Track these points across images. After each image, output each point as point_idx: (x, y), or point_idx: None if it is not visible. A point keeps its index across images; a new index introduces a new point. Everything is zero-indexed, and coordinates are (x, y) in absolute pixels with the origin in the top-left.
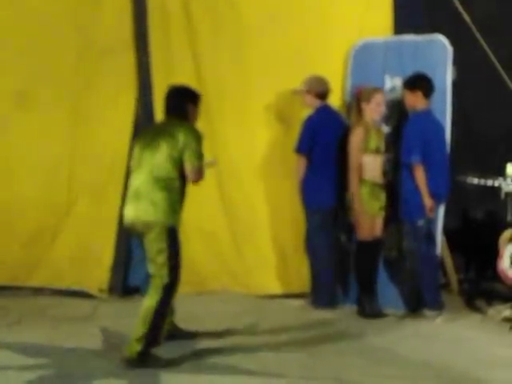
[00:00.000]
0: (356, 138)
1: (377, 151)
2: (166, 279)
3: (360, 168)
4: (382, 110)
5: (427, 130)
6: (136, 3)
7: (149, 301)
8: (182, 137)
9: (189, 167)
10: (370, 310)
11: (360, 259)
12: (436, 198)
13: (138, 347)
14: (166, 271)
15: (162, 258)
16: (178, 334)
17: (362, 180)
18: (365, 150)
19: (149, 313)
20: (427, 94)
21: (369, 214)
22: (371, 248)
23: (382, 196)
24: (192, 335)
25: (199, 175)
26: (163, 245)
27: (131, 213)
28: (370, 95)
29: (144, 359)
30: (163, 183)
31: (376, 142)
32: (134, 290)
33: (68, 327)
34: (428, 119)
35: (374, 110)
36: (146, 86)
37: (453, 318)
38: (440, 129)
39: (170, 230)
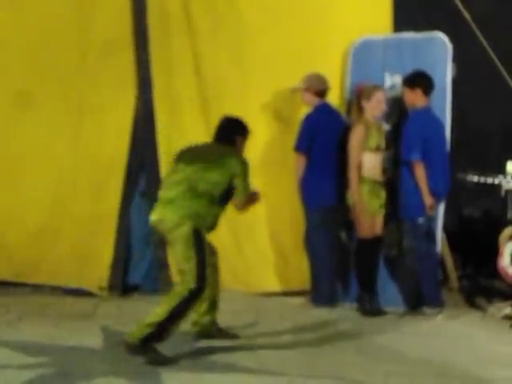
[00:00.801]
0: (356, 136)
1: (377, 149)
2: (193, 284)
3: (360, 166)
4: (383, 107)
5: (427, 128)
6: (136, 1)
7: (174, 296)
8: (234, 164)
9: (239, 197)
10: (370, 308)
11: (360, 257)
12: (436, 195)
13: (143, 333)
14: (194, 277)
15: (190, 263)
16: (218, 335)
17: (361, 178)
18: (365, 147)
19: (170, 306)
20: (427, 91)
21: (369, 211)
22: (371, 246)
23: (382, 194)
24: (233, 336)
25: (244, 206)
26: (191, 250)
27: (158, 213)
28: (371, 93)
29: (143, 348)
30: (201, 196)
31: (376, 139)
32: (134, 287)
33: (68, 325)
34: (428, 117)
35: (375, 107)
36: (145, 84)
37: (453, 315)
38: (440, 126)
39: (198, 234)
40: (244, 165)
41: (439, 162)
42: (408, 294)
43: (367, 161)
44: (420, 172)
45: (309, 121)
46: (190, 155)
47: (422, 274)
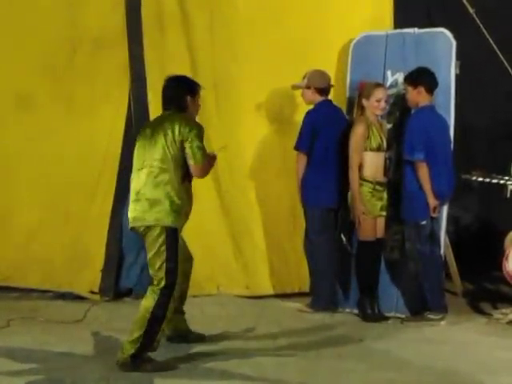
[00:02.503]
0: (356, 136)
1: (378, 149)
2: (162, 282)
3: (360, 166)
4: (383, 106)
5: (431, 127)
6: None
7: (146, 303)
8: (178, 130)
9: (192, 164)
10: (370, 312)
11: (361, 260)
12: (440, 197)
13: (131, 350)
14: (163, 274)
15: (159, 261)
16: (188, 336)
17: (363, 179)
18: (366, 147)
19: (145, 315)
20: (430, 89)
21: (370, 213)
22: (373, 249)
23: (384, 195)
24: (201, 337)
25: (203, 171)
26: (162, 247)
27: (132, 214)
28: (370, 91)
29: (137, 363)
30: (163, 183)
31: (377, 139)
32: (126, 292)
33: (58, 331)
34: (432, 115)
35: (375, 106)
36: (139, 80)
37: (457, 321)
38: (444, 125)
39: (170, 231)
40: (190, 124)
41: (443, 163)
42: (410, 299)
43: (368, 161)
44: (423, 172)
45: (310, 119)
46: (142, 137)
47: (424, 278)
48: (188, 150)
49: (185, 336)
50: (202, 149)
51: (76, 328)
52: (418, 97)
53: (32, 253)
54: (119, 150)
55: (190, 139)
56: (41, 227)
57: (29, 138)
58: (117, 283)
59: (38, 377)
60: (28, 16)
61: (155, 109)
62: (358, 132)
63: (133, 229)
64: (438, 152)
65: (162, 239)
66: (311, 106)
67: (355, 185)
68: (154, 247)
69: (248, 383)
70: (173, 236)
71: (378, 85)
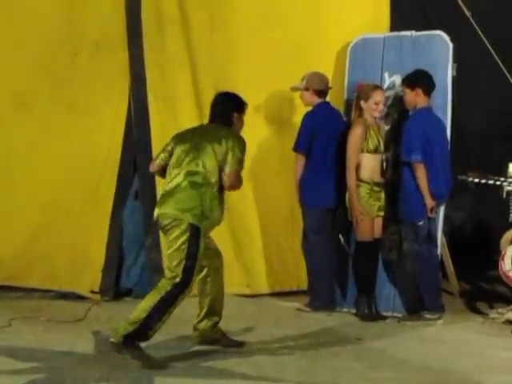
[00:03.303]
0: (354, 138)
1: (375, 151)
2: (178, 278)
3: (358, 167)
4: (381, 108)
5: (428, 128)
6: None
7: (154, 292)
8: (225, 142)
9: (227, 170)
10: (368, 312)
11: (358, 261)
12: (437, 198)
13: (126, 330)
14: (180, 271)
15: (178, 258)
16: (223, 341)
17: (360, 180)
18: (363, 149)
19: (150, 302)
20: (428, 91)
21: (368, 214)
22: (370, 249)
23: (382, 196)
24: (239, 344)
25: (237, 180)
26: (183, 244)
27: (161, 210)
28: (369, 93)
29: (128, 345)
30: (200, 187)
31: (375, 141)
32: (127, 292)
33: (60, 330)
34: (429, 117)
35: (373, 108)
36: (139, 81)
37: (453, 320)
38: (441, 127)
39: (194, 230)
40: (238, 140)
41: (440, 164)
42: (407, 299)
43: (365, 162)
44: (421, 173)
45: (308, 121)
46: (186, 140)
47: (421, 278)
48: (229, 159)
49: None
50: (241, 162)
51: (77, 327)
52: (415, 99)
53: (33, 253)
54: (120, 151)
55: (233, 151)
56: (42, 228)
57: (30, 138)
58: (117, 283)
59: (40, 376)
60: (29, 18)
61: (155, 110)
62: (355, 134)
63: (157, 222)
64: (435, 153)
65: (185, 237)
66: (309, 108)
67: (353, 186)
68: (176, 244)
69: (247, 382)
70: (196, 235)
71: (377, 87)
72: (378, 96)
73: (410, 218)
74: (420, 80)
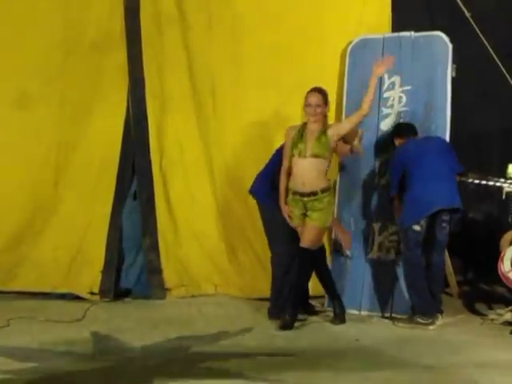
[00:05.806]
0: (286, 141)
1: (300, 156)
2: None
3: (288, 172)
4: (311, 111)
5: (406, 160)
6: None
7: None
8: None
9: None
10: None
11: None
12: (426, 205)
13: None
14: None
15: None
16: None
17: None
18: (294, 154)
19: None
20: (402, 136)
21: (291, 221)
22: (301, 255)
23: (307, 204)
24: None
25: None
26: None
27: None
28: (306, 96)
29: None
30: None
31: (304, 146)
32: (126, 292)
33: (58, 330)
34: (408, 148)
35: (306, 110)
36: (137, 82)
37: (452, 321)
38: (427, 145)
39: None
40: None
41: (431, 174)
42: (405, 300)
43: (293, 168)
44: (395, 204)
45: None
46: None
47: (408, 283)
48: None
49: None
50: None
51: (75, 327)
52: (399, 144)
53: (28, 253)
54: (118, 151)
55: None
56: (41, 229)
57: (28, 139)
58: (116, 284)
59: (37, 376)
60: (27, 18)
61: (153, 110)
62: (286, 136)
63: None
64: (422, 169)
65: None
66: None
67: (283, 193)
68: None
69: (247, 382)
70: None
71: (312, 90)
72: (309, 97)
73: (401, 225)
74: (392, 135)
